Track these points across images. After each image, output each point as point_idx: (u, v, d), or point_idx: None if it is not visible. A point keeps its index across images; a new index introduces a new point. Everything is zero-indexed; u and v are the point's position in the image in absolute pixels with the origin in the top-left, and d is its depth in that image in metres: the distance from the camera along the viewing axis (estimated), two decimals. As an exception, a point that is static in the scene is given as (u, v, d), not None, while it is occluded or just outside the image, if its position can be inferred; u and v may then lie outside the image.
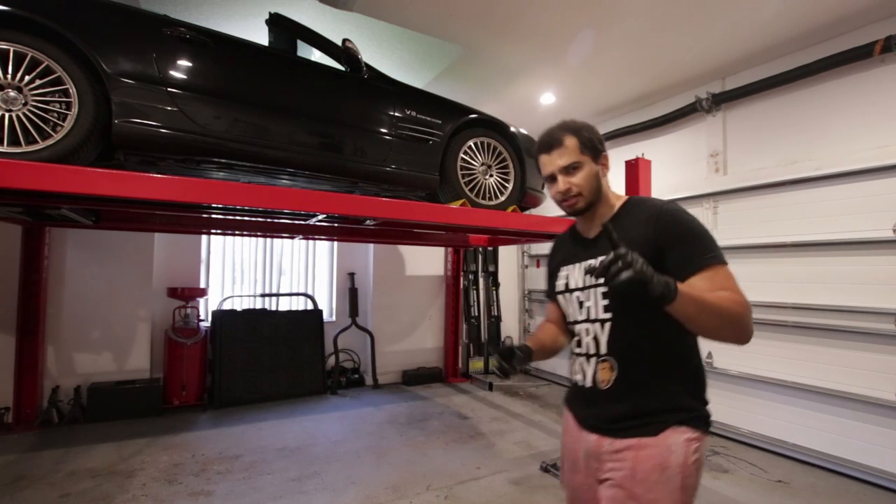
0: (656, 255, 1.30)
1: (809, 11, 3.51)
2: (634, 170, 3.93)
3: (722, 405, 4.45)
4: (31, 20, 2.06)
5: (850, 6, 3.42)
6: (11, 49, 2.02)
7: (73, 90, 2.13)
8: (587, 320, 1.48)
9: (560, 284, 1.60)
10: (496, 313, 7.11)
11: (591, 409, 1.50)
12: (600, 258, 1.20)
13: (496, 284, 7.18)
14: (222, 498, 3.12)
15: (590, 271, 1.24)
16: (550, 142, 1.49)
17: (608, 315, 1.42)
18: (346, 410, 5.11)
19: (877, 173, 3.51)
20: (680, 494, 1.29)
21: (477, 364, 6.86)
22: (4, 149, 2.01)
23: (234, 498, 3.13)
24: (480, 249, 7.04)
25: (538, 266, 7.07)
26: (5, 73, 2.01)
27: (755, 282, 4.07)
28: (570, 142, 1.46)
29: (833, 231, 3.71)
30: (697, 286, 1.25)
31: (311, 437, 4.25)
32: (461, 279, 6.85)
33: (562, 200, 1.52)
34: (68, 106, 2.13)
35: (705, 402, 1.41)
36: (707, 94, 4.68)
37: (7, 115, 2.02)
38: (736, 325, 1.25)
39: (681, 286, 1.17)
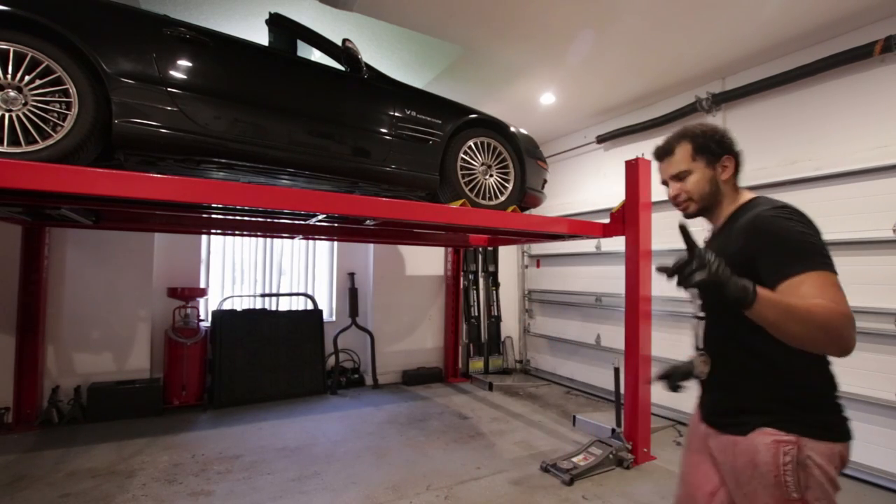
0: (748, 263, 1.31)
1: (809, 11, 3.50)
2: (634, 170, 3.94)
3: (722, 405, 4.45)
4: (32, 20, 2.06)
5: (850, 6, 3.42)
6: (11, 49, 2.02)
7: (73, 90, 2.13)
8: (695, 316, 1.57)
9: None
10: (496, 313, 7.11)
11: (702, 397, 1.62)
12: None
13: (496, 284, 7.19)
14: (222, 498, 3.12)
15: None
16: (660, 152, 1.63)
17: (703, 313, 1.53)
18: (346, 410, 5.11)
19: (877, 173, 3.51)
20: (775, 491, 1.31)
21: (477, 364, 6.86)
22: (4, 149, 2.01)
23: (234, 498, 3.13)
24: (480, 249, 7.04)
25: (538, 266, 7.07)
26: (5, 73, 2.02)
27: (755, 282, 4.09)
28: (682, 150, 1.57)
29: (833, 231, 3.71)
30: (787, 294, 1.22)
31: (311, 437, 4.25)
32: (461, 279, 6.85)
33: (674, 205, 1.62)
34: (68, 106, 2.13)
35: (814, 409, 1.34)
36: (707, 94, 4.68)
37: (7, 115, 2.02)
38: (828, 334, 1.15)
39: (763, 291, 1.17)
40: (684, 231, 1.24)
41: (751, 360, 1.39)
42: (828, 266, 1.26)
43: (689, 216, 1.58)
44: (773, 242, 1.31)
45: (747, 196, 1.56)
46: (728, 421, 1.44)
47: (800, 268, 1.24)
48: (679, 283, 1.19)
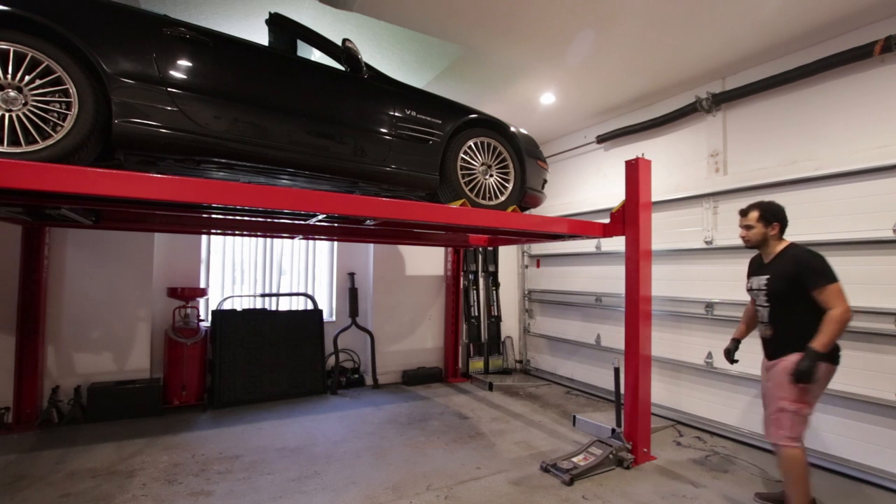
0: (796, 278, 2.78)
1: (809, 11, 3.51)
2: (634, 170, 3.94)
3: (722, 405, 4.45)
4: (32, 20, 2.06)
5: (850, 6, 3.42)
6: (11, 49, 2.02)
7: (72, 90, 2.13)
8: (761, 305, 2.99)
9: (748, 284, 3.15)
10: (496, 313, 7.11)
11: (766, 348, 3.03)
12: (765, 276, 2.95)
13: (496, 284, 7.19)
14: (222, 498, 3.13)
15: (796, 377, 2.68)
16: (742, 211, 3.11)
17: (768, 304, 2.93)
18: (346, 410, 5.11)
19: (877, 173, 3.51)
20: (790, 381, 2.73)
21: (477, 364, 6.87)
22: (4, 149, 2.01)
23: (234, 498, 3.13)
24: (480, 249, 7.04)
25: (538, 266, 7.07)
26: (5, 73, 2.02)
27: (755, 282, 4.09)
28: (753, 214, 3.03)
29: (833, 231, 3.71)
30: (819, 301, 2.70)
31: (311, 437, 4.25)
32: (461, 279, 6.85)
33: (741, 239, 3.13)
34: (68, 106, 2.13)
35: (824, 347, 2.66)
36: (707, 94, 4.68)
37: (7, 115, 2.02)
38: (842, 326, 2.65)
39: (817, 342, 2.65)
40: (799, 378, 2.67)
41: (793, 324, 2.82)
42: (835, 279, 2.70)
43: (747, 247, 3.14)
44: (805, 269, 2.77)
45: (786, 242, 2.99)
46: (779, 354, 2.85)
47: (819, 284, 2.71)
48: (796, 381, 2.67)
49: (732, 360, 3.31)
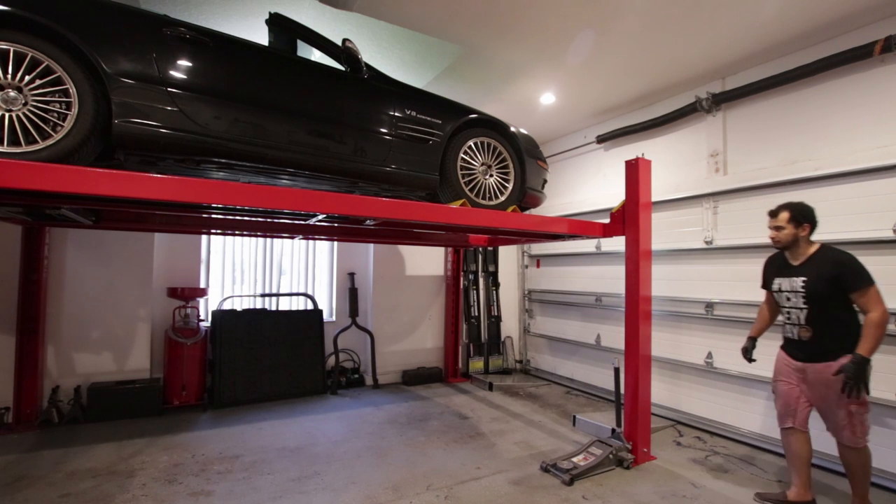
0: (835, 281, 2.82)
1: (809, 11, 3.51)
2: (634, 170, 3.93)
3: (722, 405, 4.45)
4: (32, 20, 2.06)
5: (850, 6, 3.42)
6: (12, 49, 2.02)
7: (73, 90, 2.13)
8: (794, 307, 2.99)
9: (775, 286, 3.12)
10: (496, 313, 7.11)
11: (802, 350, 2.99)
12: (800, 277, 2.95)
13: (496, 284, 7.19)
14: (222, 498, 3.12)
15: (851, 386, 2.72)
16: (772, 212, 3.08)
17: (806, 306, 2.92)
18: (346, 410, 5.11)
19: (877, 173, 3.51)
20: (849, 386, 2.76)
21: (477, 364, 6.87)
22: (4, 149, 2.01)
23: (234, 498, 3.13)
24: (480, 249, 7.04)
25: (538, 266, 7.07)
26: (5, 73, 2.02)
27: (755, 282, 4.07)
28: (783, 215, 3.01)
29: (833, 231, 3.70)
30: (859, 303, 2.80)
31: (311, 437, 4.25)
32: (461, 279, 6.85)
33: (771, 240, 3.11)
34: (68, 106, 2.13)
35: (870, 353, 2.73)
36: (707, 94, 4.68)
37: (7, 115, 2.02)
38: (882, 328, 2.72)
39: (862, 347, 2.72)
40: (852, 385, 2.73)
41: (834, 325, 2.87)
42: (873, 281, 2.77)
43: (777, 248, 3.13)
44: (846, 271, 2.81)
45: (817, 244, 3.00)
46: (823, 357, 2.87)
47: (858, 286, 2.77)
48: (844, 390, 2.73)
49: (751, 359, 3.35)
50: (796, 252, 3.01)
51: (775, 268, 3.16)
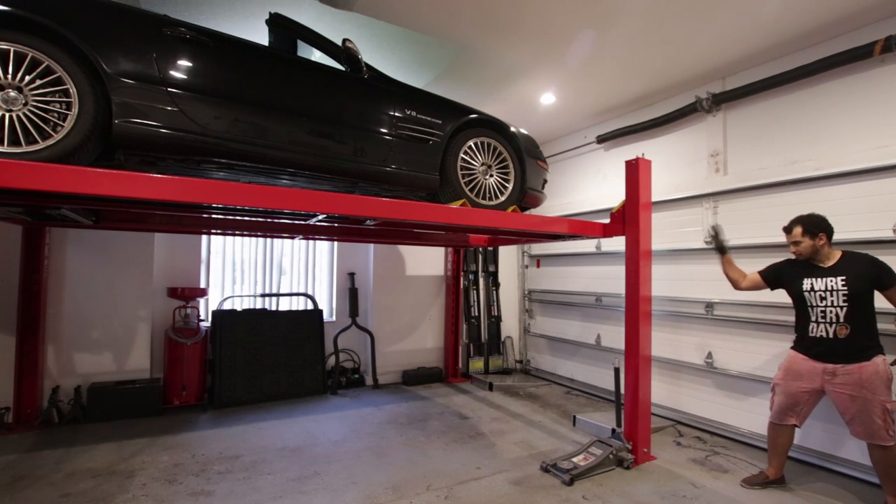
0: (876, 281, 3.00)
1: (809, 11, 3.51)
2: (634, 170, 3.93)
3: (722, 405, 4.45)
4: (32, 20, 2.06)
5: (850, 6, 3.42)
6: (12, 49, 2.02)
7: (73, 90, 2.13)
8: (831, 305, 3.07)
9: (806, 286, 3.20)
10: (496, 313, 7.11)
11: (831, 350, 3.07)
12: (838, 277, 3.06)
13: (496, 284, 7.19)
14: (222, 498, 3.13)
15: None
16: (785, 228, 3.28)
17: (846, 304, 3.02)
18: (346, 410, 5.11)
19: (877, 173, 3.51)
20: (885, 384, 2.91)
21: (477, 364, 6.87)
22: (4, 149, 2.01)
23: (234, 498, 3.13)
24: (480, 249, 7.04)
25: (538, 266, 7.07)
26: (5, 73, 2.02)
27: (755, 282, 4.09)
28: (797, 230, 3.20)
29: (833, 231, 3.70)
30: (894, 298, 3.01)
31: (311, 438, 4.25)
32: (461, 279, 6.85)
33: (793, 253, 3.29)
34: (68, 106, 2.13)
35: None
36: (707, 94, 4.68)
37: (7, 115, 2.02)
38: None
39: None
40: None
41: (867, 322, 3.02)
42: None
43: (798, 258, 3.28)
44: (882, 271, 3.00)
45: (839, 251, 3.18)
46: (857, 356, 2.98)
47: (893, 282, 2.99)
48: None
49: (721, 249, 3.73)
50: (820, 257, 3.16)
51: (801, 269, 3.25)
